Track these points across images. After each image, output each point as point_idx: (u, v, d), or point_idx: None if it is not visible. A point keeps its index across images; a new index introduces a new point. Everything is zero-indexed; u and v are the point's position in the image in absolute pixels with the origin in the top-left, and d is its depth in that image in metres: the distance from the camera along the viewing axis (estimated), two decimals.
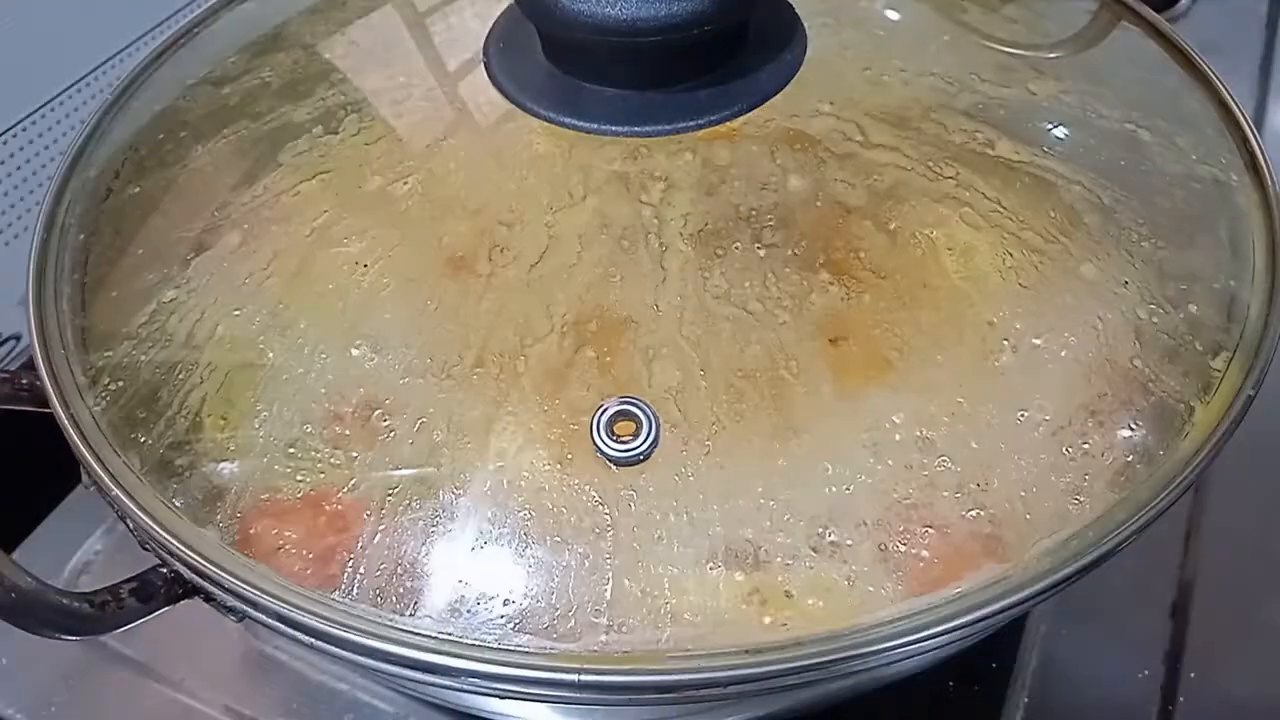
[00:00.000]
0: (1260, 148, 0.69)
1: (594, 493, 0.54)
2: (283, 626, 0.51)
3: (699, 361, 0.59)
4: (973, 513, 0.66)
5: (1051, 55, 0.75)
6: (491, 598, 0.51)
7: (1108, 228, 0.74)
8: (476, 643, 0.51)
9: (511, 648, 0.50)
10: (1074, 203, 0.68)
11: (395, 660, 0.50)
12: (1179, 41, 0.76)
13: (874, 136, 0.66)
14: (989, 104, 0.69)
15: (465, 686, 0.50)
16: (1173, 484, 0.54)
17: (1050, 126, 0.69)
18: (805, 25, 0.68)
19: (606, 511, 0.54)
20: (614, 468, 0.55)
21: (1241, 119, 0.71)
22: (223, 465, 0.72)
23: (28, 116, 0.98)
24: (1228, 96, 0.72)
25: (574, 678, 0.48)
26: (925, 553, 0.64)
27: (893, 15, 0.76)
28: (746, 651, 0.49)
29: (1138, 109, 0.71)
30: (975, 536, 0.65)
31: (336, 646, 0.51)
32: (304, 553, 0.65)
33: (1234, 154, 0.70)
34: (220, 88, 0.76)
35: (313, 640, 0.51)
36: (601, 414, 0.55)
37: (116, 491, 0.57)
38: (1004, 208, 0.66)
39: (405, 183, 0.65)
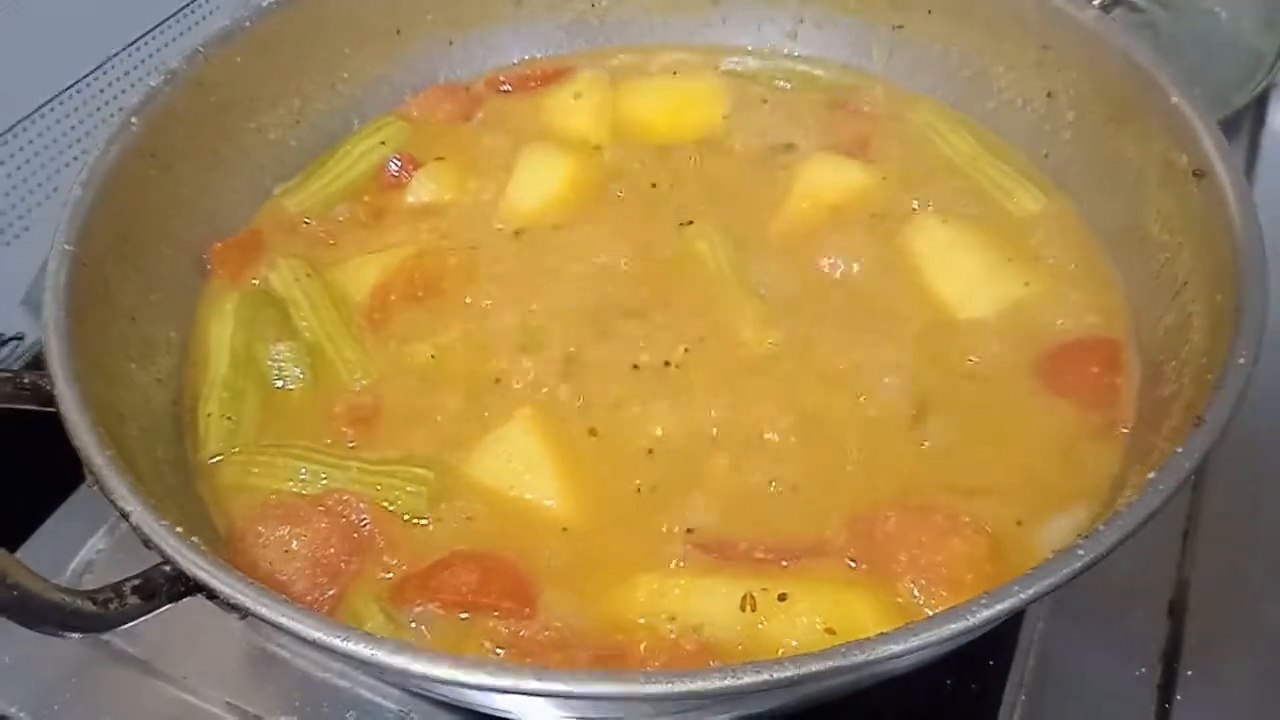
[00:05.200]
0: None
1: None
2: (284, 622, 0.52)
3: None
4: (970, 518, 0.67)
5: None
6: None
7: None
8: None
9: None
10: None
11: (393, 670, 0.50)
12: None
13: None
14: None
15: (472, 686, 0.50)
16: (1166, 487, 0.55)
17: None
18: None
19: None
20: None
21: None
22: (226, 464, 0.73)
23: (27, 117, 0.98)
24: None
25: (566, 686, 0.49)
26: (926, 553, 0.65)
27: None
28: (749, 663, 0.49)
29: None
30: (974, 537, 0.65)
31: (335, 642, 0.51)
32: (305, 551, 0.66)
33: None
34: None
35: (315, 636, 0.51)
36: None
37: (119, 490, 0.57)
38: None
39: None
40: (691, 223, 0.86)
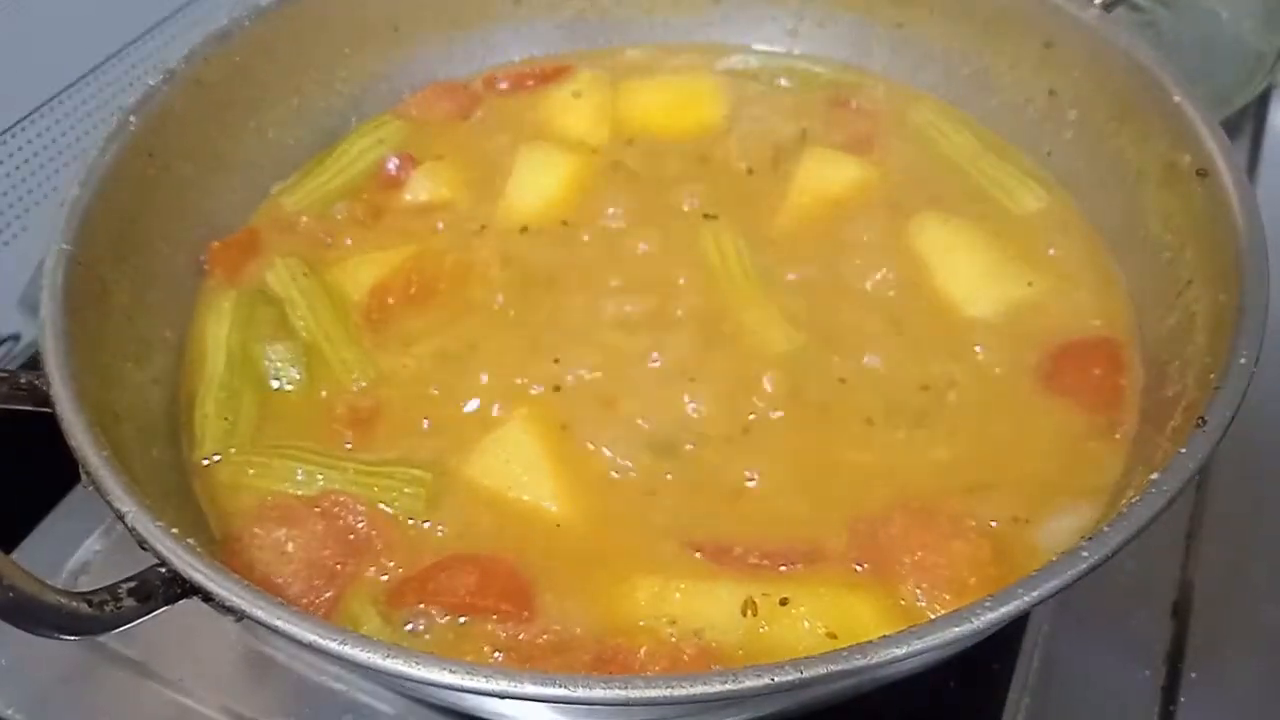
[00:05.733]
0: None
1: None
2: (279, 625, 0.51)
3: None
4: (973, 520, 0.67)
5: None
6: None
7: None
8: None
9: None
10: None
11: (389, 673, 0.50)
12: None
13: None
14: None
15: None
16: (1170, 488, 0.55)
17: None
18: None
19: None
20: None
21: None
22: (222, 465, 0.72)
23: (26, 117, 0.98)
24: None
25: (564, 690, 0.48)
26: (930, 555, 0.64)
27: None
28: (749, 667, 0.49)
29: None
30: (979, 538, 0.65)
31: (331, 645, 0.51)
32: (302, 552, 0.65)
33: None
34: None
35: (310, 639, 0.51)
36: None
37: (115, 491, 0.57)
38: None
39: None
40: (716, 217, 0.85)
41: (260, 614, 0.52)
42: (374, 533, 0.67)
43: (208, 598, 0.54)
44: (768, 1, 1.01)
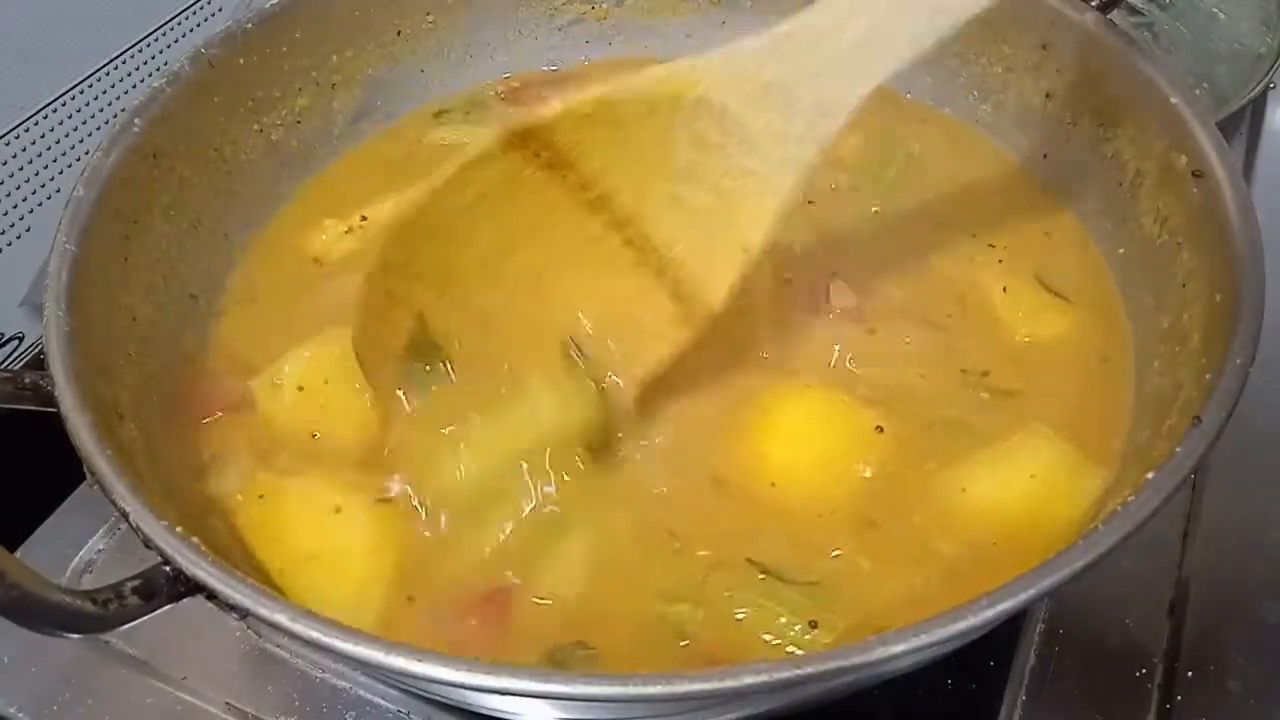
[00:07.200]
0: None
1: None
2: (282, 622, 0.52)
3: None
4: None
5: None
6: None
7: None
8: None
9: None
10: None
11: (391, 670, 0.50)
12: None
13: None
14: None
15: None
16: (1165, 486, 0.55)
17: None
18: None
19: None
20: None
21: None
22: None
23: (29, 118, 0.98)
24: None
25: (564, 686, 0.49)
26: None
27: None
28: (747, 665, 0.49)
29: None
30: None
31: (334, 643, 0.51)
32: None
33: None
34: None
35: (314, 636, 0.51)
36: None
37: (119, 490, 0.57)
38: None
39: None
40: None
41: (264, 612, 0.52)
42: None
43: (212, 595, 0.54)
44: (765, 8, 1.02)
